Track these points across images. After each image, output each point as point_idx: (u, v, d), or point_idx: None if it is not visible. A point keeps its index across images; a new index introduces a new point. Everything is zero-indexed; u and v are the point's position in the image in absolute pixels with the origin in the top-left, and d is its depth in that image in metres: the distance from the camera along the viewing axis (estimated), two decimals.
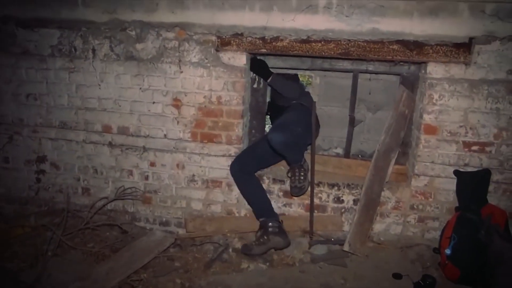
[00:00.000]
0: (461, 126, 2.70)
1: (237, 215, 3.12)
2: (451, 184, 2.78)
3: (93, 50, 3.09)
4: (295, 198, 3.04)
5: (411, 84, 2.95)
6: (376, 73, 3.12)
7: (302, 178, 2.80)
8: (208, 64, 2.92)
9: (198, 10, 2.84)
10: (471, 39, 2.56)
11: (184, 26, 2.89)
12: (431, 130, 2.74)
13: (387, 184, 2.91)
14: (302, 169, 2.82)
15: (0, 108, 3.37)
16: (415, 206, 2.88)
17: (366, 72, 3.06)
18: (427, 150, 2.77)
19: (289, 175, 2.89)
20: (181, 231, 3.22)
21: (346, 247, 2.77)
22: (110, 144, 3.23)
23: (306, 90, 3.33)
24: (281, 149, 2.75)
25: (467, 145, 2.72)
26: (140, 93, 3.08)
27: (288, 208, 3.08)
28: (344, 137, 3.24)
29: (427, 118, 2.73)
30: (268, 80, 3.03)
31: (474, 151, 2.72)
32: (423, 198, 2.86)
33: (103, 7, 2.99)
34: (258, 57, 3.09)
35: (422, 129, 2.75)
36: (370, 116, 3.40)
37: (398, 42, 2.66)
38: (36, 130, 3.35)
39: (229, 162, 3.01)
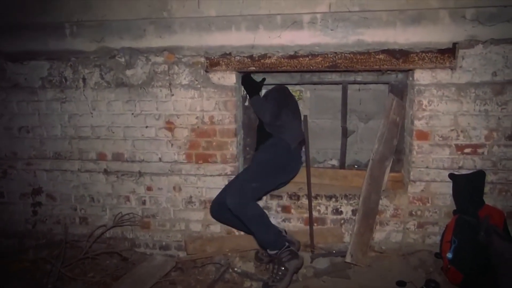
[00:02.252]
0: (452, 130, 2.73)
1: (237, 233, 3.11)
2: (447, 188, 2.80)
3: (84, 79, 3.11)
4: (293, 212, 3.04)
5: (400, 91, 2.99)
6: (365, 83, 3.17)
7: (277, 278, 2.52)
8: (199, 86, 2.95)
9: (185, 33, 2.88)
10: (454, 44, 2.62)
11: (172, 49, 2.93)
12: (423, 135, 2.77)
13: (384, 192, 2.93)
14: (282, 268, 2.53)
15: None
16: (413, 212, 2.89)
17: (355, 83, 3.09)
18: (420, 155, 2.80)
19: (267, 266, 2.81)
20: (182, 254, 3.19)
21: (348, 259, 2.76)
22: (106, 172, 3.22)
23: (292, 111, 3.02)
24: (238, 214, 2.58)
25: (459, 148, 2.75)
26: (133, 119, 3.09)
27: (287, 223, 3.07)
28: (338, 149, 3.26)
29: (418, 124, 2.76)
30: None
31: (467, 153, 2.75)
32: (420, 204, 2.87)
33: (91, 36, 3.02)
34: (252, 75, 3.10)
35: (414, 135, 2.78)
36: (362, 126, 3.43)
37: (384, 51, 2.70)
38: (30, 162, 3.33)
39: (226, 181, 3.01)
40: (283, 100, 3.00)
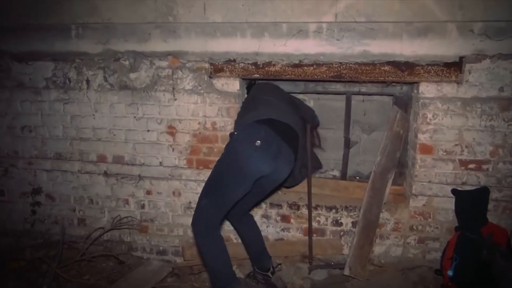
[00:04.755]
0: (456, 145, 2.69)
1: (235, 241, 3.08)
2: (450, 204, 2.75)
3: (87, 81, 3.11)
4: (293, 222, 3.00)
5: (404, 104, 2.96)
6: (369, 94, 3.14)
7: None
8: (202, 91, 2.94)
9: (190, 38, 2.87)
10: (461, 58, 2.58)
11: (177, 54, 2.92)
12: (426, 149, 2.73)
13: (385, 206, 2.89)
14: None
15: None
16: (414, 227, 2.84)
17: (359, 93, 3.06)
18: (423, 169, 2.76)
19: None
20: (179, 260, 3.17)
21: (346, 271, 2.72)
22: (106, 174, 3.21)
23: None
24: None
25: (463, 163, 2.71)
26: (135, 122, 3.08)
27: (287, 232, 3.04)
28: (340, 159, 3.22)
29: (422, 138, 2.72)
30: None
31: (471, 169, 2.70)
32: (422, 219, 2.83)
33: (96, 39, 3.02)
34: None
35: (417, 149, 2.74)
36: (365, 137, 3.39)
37: (389, 63, 2.68)
38: (31, 162, 3.34)
39: None
40: (251, 99, 2.57)
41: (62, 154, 3.27)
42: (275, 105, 2.40)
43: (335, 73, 2.74)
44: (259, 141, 2.16)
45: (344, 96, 3.11)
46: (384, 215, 2.87)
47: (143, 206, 3.20)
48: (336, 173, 3.36)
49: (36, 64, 3.19)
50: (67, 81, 3.15)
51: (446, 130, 2.69)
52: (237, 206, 2.37)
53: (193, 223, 2.17)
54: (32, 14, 3.10)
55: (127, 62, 3.02)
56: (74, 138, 3.22)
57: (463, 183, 2.72)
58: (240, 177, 2.17)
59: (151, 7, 2.89)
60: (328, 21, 2.68)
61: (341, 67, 2.72)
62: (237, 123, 2.47)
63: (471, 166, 2.70)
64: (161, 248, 3.22)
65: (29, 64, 3.20)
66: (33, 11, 3.09)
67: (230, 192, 2.17)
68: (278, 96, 2.56)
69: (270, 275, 2.64)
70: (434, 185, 2.77)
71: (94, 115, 3.14)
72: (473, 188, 2.70)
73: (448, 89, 2.66)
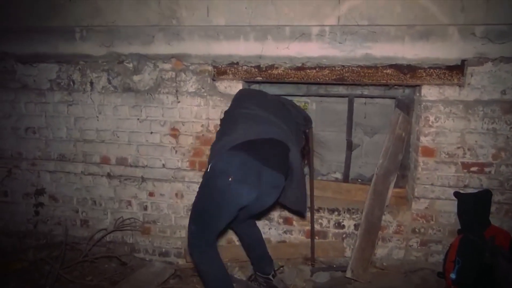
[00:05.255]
0: (458, 148, 2.70)
1: (237, 243, 3.08)
2: (452, 206, 2.75)
3: (91, 83, 3.13)
4: (295, 224, 3.01)
5: (406, 106, 2.97)
6: (371, 97, 3.15)
7: None
8: (205, 94, 2.95)
9: (193, 41, 2.89)
10: (463, 61, 2.59)
11: (180, 57, 2.94)
12: (429, 152, 2.74)
13: (388, 208, 2.89)
14: None
15: None
16: (416, 230, 2.84)
17: (361, 96, 3.08)
18: (426, 172, 2.76)
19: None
20: (181, 262, 3.17)
21: (348, 274, 2.72)
22: (109, 175, 3.22)
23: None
24: None
25: (466, 166, 2.71)
26: (138, 124, 3.10)
27: (289, 235, 3.04)
28: (342, 162, 3.23)
29: (424, 140, 2.73)
30: None
31: (474, 172, 2.71)
32: (424, 221, 2.83)
33: (100, 41, 3.04)
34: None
35: (419, 152, 2.75)
36: (368, 139, 3.39)
37: (391, 66, 2.69)
38: (34, 163, 3.35)
39: None
40: (230, 114, 2.35)
41: (66, 156, 3.28)
42: (257, 119, 2.18)
43: (337, 76, 2.76)
44: (232, 176, 1.98)
45: (347, 98, 3.12)
46: (386, 217, 2.87)
47: (145, 208, 3.21)
48: (339, 175, 3.36)
49: (41, 66, 3.21)
50: (71, 83, 3.17)
51: (448, 132, 2.70)
52: (233, 221, 2.28)
53: (188, 246, 2.16)
54: (37, 17, 3.12)
55: (130, 65, 3.04)
56: (78, 140, 3.23)
57: (466, 186, 2.73)
58: (221, 210, 2.08)
59: (155, 10, 2.92)
60: (331, 24, 2.69)
61: (344, 70, 2.74)
62: (212, 150, 2.21)
63: (474, 168, 2.70)
64: (163, 249, 3.22)
65: (34, 66, 3.23)
66: (38, 14, 3.12)
67: (215, 221, 2.11)
68: (263, 104, 2.31)
69: (272, 278, 2.64)
70: (436, 188, 2.77)
71: (97, 117, 3.16)
72: (476, 191, 2.70)
73: (450, 92, 2.67)
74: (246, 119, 2.18)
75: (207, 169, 2.10)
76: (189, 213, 2.98)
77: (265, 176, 2.05)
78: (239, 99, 2.40)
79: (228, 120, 2.28)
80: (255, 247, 2.68)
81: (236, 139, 2.05)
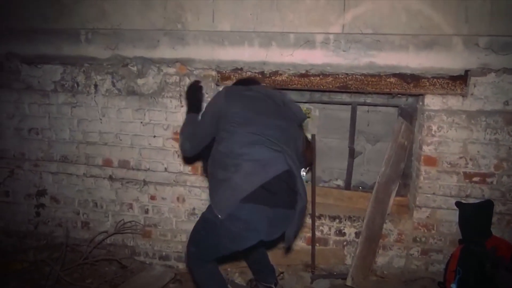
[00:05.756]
0: (461, 157, 2.70)
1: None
2: (454, 216, 2.75)
3: (95, 86, 3.14)
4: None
5: (409, 115, 2.98)
6: (375, 105, 3.16)
7: None
8: (209, 99, 2.95)
9: (198, 46, 2.90)
10: (466, 71, 2.61)
11: (184, 61, 2.95)
12: (431, 161, 2.74)
13: (389, 216, 2.89)
14: None
15: (2, 142, 3.40)
16: (418, 239, 2.84)
17: (365, 104, 3.09)
18: (427, 181, 2.76)
19: None
20: (181, 266, 3.16)
21: (349, 282, 2.72)
22: (111, 178, 3.23)
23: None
24: None
25: (468, 176, 2.71)
26: (141, 127, 3.11)
27: None
28: (344, 169, 3.24)
29: (427, 150, 2.74)
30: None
31: (475, 182, 2.71)
32: (425, 230, 2.83)
33: (105, 44, 3.06)
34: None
35: (422, 161, 2.75)
36: (370, 147, 3.41)
37: (395, 75, 2.70)
38: (37, 164, 3.36)
39: None
40: (214, 113, 2.10)
41: (68, 157, 3.29)
42: (256, 147, 1.98)
43: (341, 84, 2.77)
44: (241, 225, 1.94)
45: (350, 106, 3.13)
46: (388, 226, 2.87)
47: (147, 211, 3.21)
48: (340, 182, 3.37)
49: (45, 67, 3.22)
50: (75, 85, 3.18)
51: (451, 142, 2.70)
52: None
53: (186, 260, 2.16)
54: (43, 18, 3.14)
55: (135, 68, 3.05)
56: (81, 142, 3.24)
57: (467, 196, 2.73)
58: (226, 249, 2.09)
59: (161, 14, 2.93)
60: (335, 32, 2.71)
61: (347, 78, 2.75)
62: (212, 196, 2.04)
63: (476, 179, 2.71)
64: (164, 253, 3.22)
65: (38, 67, 3.24)
66: (44, 15, 3.13)
67: (217, 253, 2.13)
68: (254, 104, 2.10)
69: (274, 287, 2.62)
70: (438, 197, 2.77)
71: (101, 119, 3.17)
72: (477, 201, 2.70)
73: (453, 102, 2.68)
74: (247, 145, 1.99)
75: (213, 211, 1.98)
76: (189, 218, 2.99)
77: (276, 216, 1.98)
78: (229, 104, 2.08)
79: (226, 138, 2.04)
80: (259, 260, 2.65)
81: (244, 190, 1.90)
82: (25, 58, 3.24)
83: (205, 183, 3.05)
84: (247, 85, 2.26)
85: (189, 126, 2.23)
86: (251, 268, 2.71)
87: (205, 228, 2.07)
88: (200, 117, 2.23)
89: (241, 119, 2.03)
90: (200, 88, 2.46)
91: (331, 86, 2.78)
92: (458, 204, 2.71)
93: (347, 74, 2.74)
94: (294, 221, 2.02)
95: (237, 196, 1.91)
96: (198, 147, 2.18)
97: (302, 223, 2.25)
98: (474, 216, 2.67)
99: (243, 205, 1.91)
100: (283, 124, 2.10)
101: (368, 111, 3.33)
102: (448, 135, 2.70)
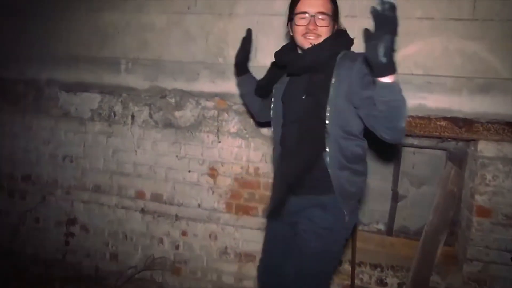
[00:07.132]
0: None
1: None
2: (509, 272, 2.53)
3: (132, 116, 3.10)
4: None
5: (458, 159, 2.80)
6: (421, 147, 2.99)
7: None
8: (247, 135, 2.87)
9: None
10: None
11: (224, 96, 2.89)
12: (484, 212, 2.55)
13: (436, 268, 2.69)
14: None
15: (36, 168, 3.40)
16: None
17: (411, 146, 2.93)
18: (480, 233, 2.56)
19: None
20: None
21: None
22: (142, 211, 3.15)
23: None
24: None
25: None
26: (176, 161, 3.03)
27: None
28: (385, 211, 3.06)
29: (480, 200, 2.55)
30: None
31: None
32: (477, 286, 2.61)
33: (145, 75, 3.03)
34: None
35: (474, 211, 2.56)
36: (414, 190, 3.22)
37: (445, 118, 2.55)
38: (69, 192, 3.32)
39: None
40: None
41: (101, 187, 3.24)
42: None
43: None
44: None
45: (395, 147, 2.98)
46: (434, 278, 2.67)
47: (177, 247, 3.10)
48: (381, 226, 3.18)
49: (84, 95, 3.22)
50: (112, 114, 3.16)
51: (507, 193, 2.50)
52: None
53: None
54: (85, 46, 3.16)
55: (173, 100, 3.00)
56: (114, 172, 3.19)
57: None
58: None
59: (202, 47, 2.90)
60: None
61: None
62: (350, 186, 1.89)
63: None
64: None
65: (77, 95, 3.24)
66: (87, 44, 3.16)
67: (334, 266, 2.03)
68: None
69: None
70: (491, 251, 2.56)
71: (136, 150, 3.12)
72: None
73: (510, 150, 2.50)
74: None
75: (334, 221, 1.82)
76: (221, 257, 2.81)
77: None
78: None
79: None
80: None
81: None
82: (65, 85, 3.25)
83: (239, 222, 2.93)
84: None
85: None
86: None
87: (340, 252, 1.93)
88: None
89: None
90: None
91: None
92: None
93: None
94: None
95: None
96: None
97: None
98: None
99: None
100: None
101: (414, 152, 3.16)
102: (504, 185, 2.50)
